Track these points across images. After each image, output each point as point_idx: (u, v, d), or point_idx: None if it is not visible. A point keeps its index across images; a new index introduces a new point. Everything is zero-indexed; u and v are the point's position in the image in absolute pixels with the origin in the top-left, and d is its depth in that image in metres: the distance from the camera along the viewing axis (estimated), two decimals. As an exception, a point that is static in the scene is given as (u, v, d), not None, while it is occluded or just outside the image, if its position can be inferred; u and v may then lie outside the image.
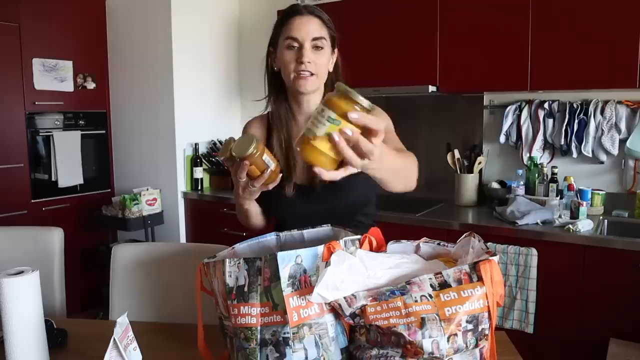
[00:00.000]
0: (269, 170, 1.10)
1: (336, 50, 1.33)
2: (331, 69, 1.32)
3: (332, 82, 1.31)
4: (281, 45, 1.25)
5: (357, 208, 1.35)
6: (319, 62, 1.25)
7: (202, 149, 3.56)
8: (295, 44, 1.23)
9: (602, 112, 2.55)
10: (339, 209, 1.29)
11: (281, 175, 1.15)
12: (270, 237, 1.21)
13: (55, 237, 1.77)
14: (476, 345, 0.91)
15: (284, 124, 1.33)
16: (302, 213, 1.28)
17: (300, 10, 1.25)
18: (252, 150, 1.06)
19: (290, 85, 1.27)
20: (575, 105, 2.61)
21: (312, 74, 1.24)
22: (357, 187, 1.27)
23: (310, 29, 1.23)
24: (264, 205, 1.31)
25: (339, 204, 1.29)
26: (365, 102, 0.78)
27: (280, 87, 1.33)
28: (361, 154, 0.78)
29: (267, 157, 1.10)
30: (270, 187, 1.14)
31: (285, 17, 1.26)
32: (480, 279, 0.91)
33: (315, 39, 1.23)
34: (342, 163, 0.80)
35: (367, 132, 0.77)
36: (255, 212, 1.30)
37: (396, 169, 1.02)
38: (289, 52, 1.24)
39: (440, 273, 0.92)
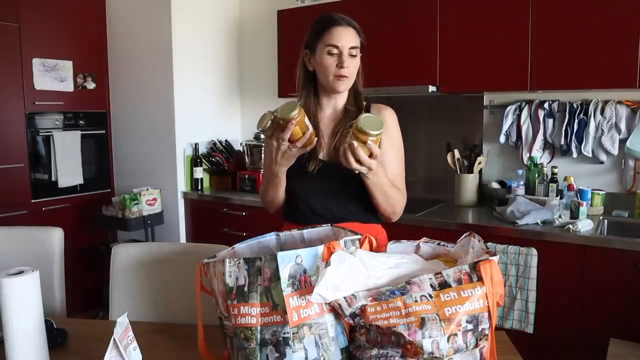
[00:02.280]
0: (310, 131, 1.27)
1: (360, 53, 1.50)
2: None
3: (359, 81, 1.51)
4: (321, 50, 1.42)
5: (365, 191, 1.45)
6: (353, 66, 1.44)
7: (202, 149, 3.56)
8: (336, 51, 1.41)
9: (602, 112, 2.55)
10: (351, 186, 1.42)
11: (316, 139, 1.33)
12: (270, 237, 1.21)
13: (55, 237, 1.77)
14: (476, 345, 0.91)
15: (312, 114, 1.48)
16: (322, 185, 1.45)
17: (339, 21, 1.42)
18: (297, 112, 1.23)
19: (328, 85, 1.45)
20: (575, 105, 2.61)
21: (345, 77, 1.42)
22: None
23: (349, 38, 1.41)
24: (289, 180, 1.46)
25: (352, 180, 1.41)
26: (374, 133, 1.19)
27: (312, 84, 1.51)
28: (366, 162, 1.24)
29: (307, 120, 1.28)
30: (308, 149, 1.32)
31: (327, 25, 1.43)
32: (480, 279, 0.91)
33: (352, 47, 1.42)
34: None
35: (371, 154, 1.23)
36: (283, 184, 1.45)
37: (386, 194, 1.40)
38: (329, 58, 1.41)
39: (440, 273, 0.92)
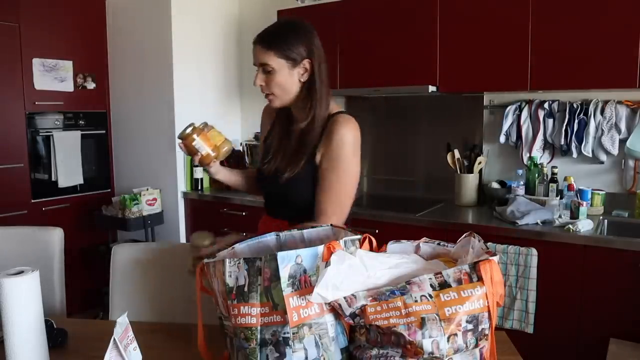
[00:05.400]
0: (199, 155, 1.42)
1: (305, 61, 1.39)
2: (303, 80, 1.41)
3: (308, 91, 1.41)
4: None
5: (302, 203, 1.45)
6: (272, 83, 1.39)
7: (202, 149, 3.56)
8: (256, 69, 1.42)
9: (602, 112, 2.55)
10: (290, 193, 1.46)
11: (215, 161, 1.45)
12: (270, 237, 1.21)
13: (55, 237, 1.77)
14: (476, 345, 0.91)
15: (282, 120, 1.54)
16: (271, 190, 1.55)
17: (254, 40, 1.41)
18: (186, 133, 1.40)
19: None
20: (575, 105, 2.61)
21: (268, 94, 1.43)
22: (299, 186, 1.45)
23: (257, 57, 1.39)
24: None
25: (292, 188, 1.46)
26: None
27: None
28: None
29: (199, 144, 1.41)
30: (205, 166, 1.47)
31: None
32: (480, 279, 0.91)
33: (261, 64, 1.39)
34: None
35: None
36: (233, 183, 1.63)
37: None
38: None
39: (440, 273, 0.92)
